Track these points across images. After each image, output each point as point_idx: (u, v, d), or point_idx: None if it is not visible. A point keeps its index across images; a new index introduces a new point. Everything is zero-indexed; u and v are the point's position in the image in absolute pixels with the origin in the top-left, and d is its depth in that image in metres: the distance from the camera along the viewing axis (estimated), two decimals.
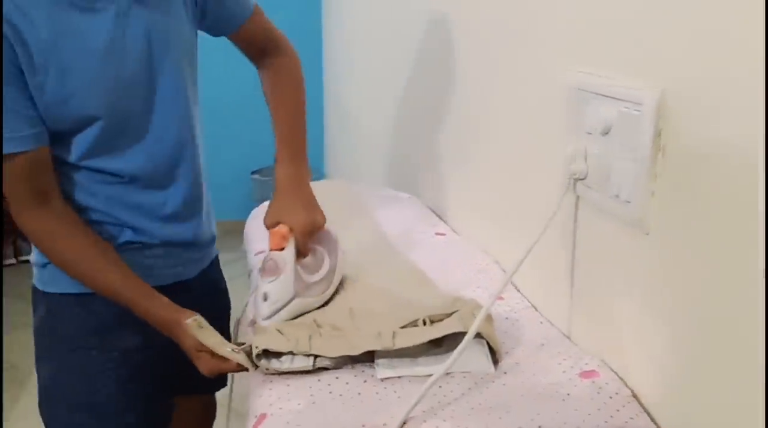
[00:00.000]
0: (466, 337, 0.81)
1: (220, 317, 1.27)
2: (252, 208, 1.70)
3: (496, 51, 1.21)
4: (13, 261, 3.58)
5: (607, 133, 0.86)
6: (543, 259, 0.99)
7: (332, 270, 1.06)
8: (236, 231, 2.72)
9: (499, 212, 1.25)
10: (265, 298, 0.98)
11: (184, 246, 1.18)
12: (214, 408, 1.56)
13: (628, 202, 0.82)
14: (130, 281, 1.04)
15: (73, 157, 1.03)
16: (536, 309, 1.07)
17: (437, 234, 1.42)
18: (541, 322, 1.02)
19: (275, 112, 1.20)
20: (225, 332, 1.09)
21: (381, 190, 1.75)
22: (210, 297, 1.30)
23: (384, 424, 0.73)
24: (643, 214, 0.79)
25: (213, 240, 1.31)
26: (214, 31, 1.19)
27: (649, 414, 0.78)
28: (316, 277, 1.04)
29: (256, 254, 1.35)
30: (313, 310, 1.01)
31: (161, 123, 1.08)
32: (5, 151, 0.95)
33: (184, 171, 1.14)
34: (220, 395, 1.52)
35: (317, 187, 1.15)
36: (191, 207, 1.18)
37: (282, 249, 1.01)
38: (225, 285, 1.43)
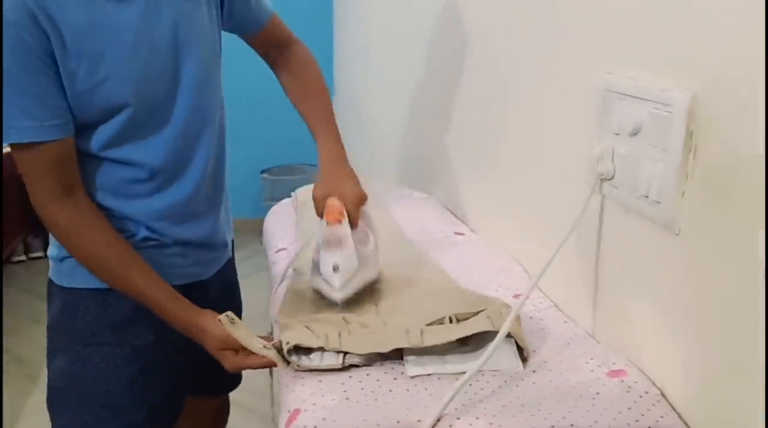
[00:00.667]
0: (498, 337, 0.82)
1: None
2: (261, 207, 1.71)
3: (521, 52, 1.22)
4: (23, 257, 3.60)
5: (635, 134, 0.87)
6: (566, 259, 0.99)
7: (376, 246, 1.08)
8: (246, 230, 2.75)
9: (520, 212, 1.26)
10: (336, 269, 0.98)
11: (198, 246, 1.18)
12: (227, 408, 1.57)
13: (658, 202, 0.82)
14: (153, 281, 1.04)
15: (94, 147, 1.03)
16: (559, 309, 1.07)
17: (456, 233, 1.43)
18: (565, 321, 1.02)
19: (305, 98, 1.23)
20: None
21: (397, 189, 1.76)
22: (225, 298, 1.31)
23: (418, 420, 0.74)
24: (674, 214, 0.80)
25: (229, 243, 1.32)
26: (239, 30, 1.21)
27: (677, 413, 0.79)
28: (368, 250, 1.05)
29: (276, 251, 1.36)
30: (369, 285, 1.04)
31: (182, 114, 1.08)
32: (31, 139, 0.95)
33: (201, 167, 1.13)
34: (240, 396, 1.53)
35: None
36: (207, 204, 1.18)
37: (339, 222, 1.02)
38: (238, 285, 1.44)
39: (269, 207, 1.69)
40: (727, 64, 0.71)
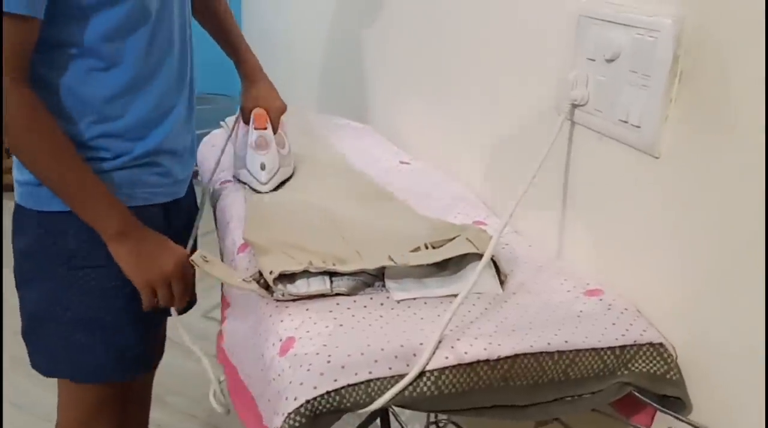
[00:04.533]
0: (484, 258, 0.82)
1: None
2: None
3: None
4: None
5: (613, 60, 0.88)
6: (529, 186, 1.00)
7: (290, 148, 1.30)
8: None
9: (476, 141, 1.26)
10: (263, 167, 1.19)
11: (179, 157, 1.16)
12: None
13: (638, 126, 0.84)
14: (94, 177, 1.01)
15: (97, 36, 0.98)
16: (520, 234, 1.09)
17: (401, 162, 1.42)
18: (530, 246, 1.04)
19: (222, 20, 1.34)
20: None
21: (333, 118, 1.72)
22: (193, 216, 1.30)
23: (420, 343, 0.74)
24: (655, 138, 0.82)
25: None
26: None
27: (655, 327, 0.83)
28: (285, 151, 1.28)
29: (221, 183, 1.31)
30: (287, 180, 1.24)
31: (177, 21, 1.10)
32: (26, 10, 0.88)
33: (189, 75, 1.15)
34: None
35: None
36: (191, 115, 1.18)
37: (265, 128, 1.23)
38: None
39: None
40: None
